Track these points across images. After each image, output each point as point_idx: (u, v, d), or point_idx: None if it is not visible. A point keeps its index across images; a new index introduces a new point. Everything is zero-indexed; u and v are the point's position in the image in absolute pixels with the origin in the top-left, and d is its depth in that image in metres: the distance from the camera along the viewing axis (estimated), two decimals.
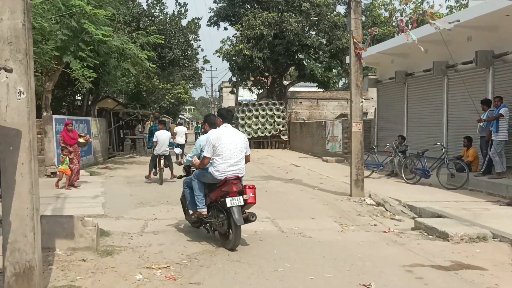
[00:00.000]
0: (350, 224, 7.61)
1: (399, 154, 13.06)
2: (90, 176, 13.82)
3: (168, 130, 14.13)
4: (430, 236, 6.69)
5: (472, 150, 11.47)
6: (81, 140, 11.66)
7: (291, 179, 13.17)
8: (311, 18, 26.08)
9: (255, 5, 29.15)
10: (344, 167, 16.69)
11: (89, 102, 21.77)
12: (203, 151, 6.22)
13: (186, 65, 21.96)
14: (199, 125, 45.67)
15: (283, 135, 28.51)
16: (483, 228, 6.67)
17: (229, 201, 5.83)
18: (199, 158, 6.37)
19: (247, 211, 6.08)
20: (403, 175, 12.21)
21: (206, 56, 70.71)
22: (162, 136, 12.28)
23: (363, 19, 32.53)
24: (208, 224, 6.44)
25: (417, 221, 7.31)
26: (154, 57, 17.00)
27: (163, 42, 16.02)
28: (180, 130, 19.00)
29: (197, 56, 22.71)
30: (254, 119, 28.35)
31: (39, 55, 13.38)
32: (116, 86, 17.84)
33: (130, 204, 9.28)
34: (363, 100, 9.63)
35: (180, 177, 7.29)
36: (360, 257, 5.71)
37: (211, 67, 69.91)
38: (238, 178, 6.07)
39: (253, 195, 6.01)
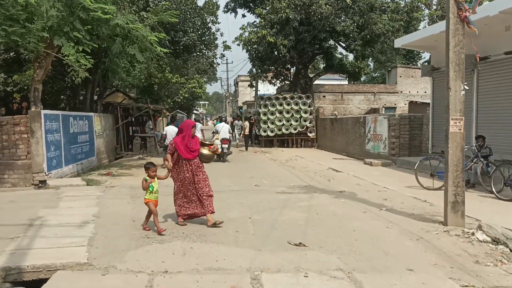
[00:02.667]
0: (479, 285, 4.69)
1: (482, 160, 10.10)
2: (86, 186, 11.05)
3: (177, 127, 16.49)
4: None
5: None
6: (205, 151, 7.32)
7: (341, 192, 10.24)
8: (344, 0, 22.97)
9: None
10: (396, 172, 13.75)
11: (95, 96, 19.04)
12: None
13: (204, 51, 19.03)
14: (221, 121, 42.89)
15: (310, 132, 25.54)
16: None
17: None
18: None
19: None
20: (493, 189, 9.24)
21: (226, 41, 66.07)
22: (169, 130, 15.63)
23: None
24: None
25: None
26: (166, 40, 14.16)
27: (177, 20, 13.13)
28: (197, 126, 18.71)
29: (216, 42, 19.74)
30: (277, 115, 25.44)
31: (24, 37, 10.64)
32: (118, 77, 15.04)
33: (130, 237, 6.42)
34: (465, 87, 6.65)
35: None
36: None
37: (226, 60, 66.74)
38: None
39: None
